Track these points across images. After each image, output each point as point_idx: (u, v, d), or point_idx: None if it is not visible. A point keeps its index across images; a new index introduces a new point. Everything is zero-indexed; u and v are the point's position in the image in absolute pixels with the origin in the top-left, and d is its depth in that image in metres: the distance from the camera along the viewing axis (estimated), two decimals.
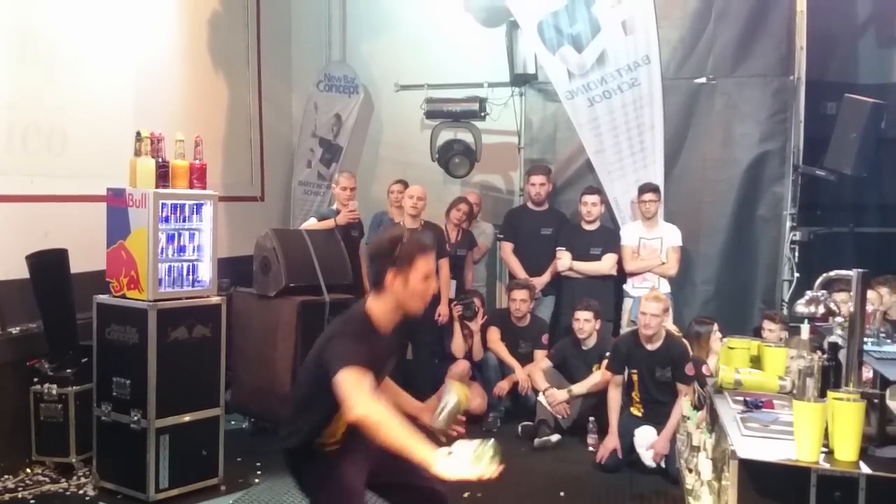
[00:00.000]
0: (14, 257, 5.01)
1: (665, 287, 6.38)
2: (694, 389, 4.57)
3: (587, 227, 6.67)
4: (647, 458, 5.30)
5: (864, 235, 7.03)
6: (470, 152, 7.40)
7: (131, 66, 6.16)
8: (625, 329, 6.43)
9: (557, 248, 6.70)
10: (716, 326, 5.67)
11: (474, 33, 7.60)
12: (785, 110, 6.68)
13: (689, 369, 5.18)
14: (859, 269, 3.14)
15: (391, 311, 2.95)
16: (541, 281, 6.77)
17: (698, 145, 6.91)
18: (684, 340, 5.51)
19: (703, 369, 5.10)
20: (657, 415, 5.39)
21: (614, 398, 5.57)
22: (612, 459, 5.37)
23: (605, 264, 6.57)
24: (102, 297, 4.80)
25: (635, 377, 5.50)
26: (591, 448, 5.74)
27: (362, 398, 2.64)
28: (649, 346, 5.42)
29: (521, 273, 6.79)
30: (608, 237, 6.66)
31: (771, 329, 5.40)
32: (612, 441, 5.44)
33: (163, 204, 4.63)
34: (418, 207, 6.49)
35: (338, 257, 6.12)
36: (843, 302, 3.53)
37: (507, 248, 6.99)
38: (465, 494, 4.93)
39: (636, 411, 5.54)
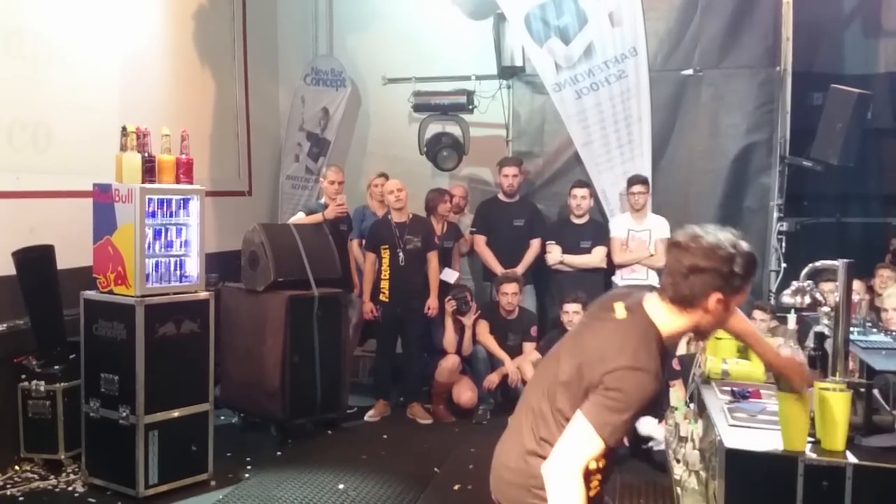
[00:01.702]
0: (0, 254, 4.98)
1: (654, 279, 6.40)
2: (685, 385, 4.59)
3: (576, 221, 6.70)
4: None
5: (851, 225, 7.07)
6: (458, 145, 7.39)
7: (116, 61, 6.11)
8: None
9: (547, 242, 6.72)
10: None
11: (461, 26, 7.56)
12: (771, 101, 6.69)
13: (676, 364, 5.22)
14: (845, 259, 3.15)
15: (678, 335, 2.39)
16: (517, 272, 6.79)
17: (685, 137, 6.91)
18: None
19: (673, 363, 5.16)
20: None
21: None
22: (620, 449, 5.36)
23: (596, 257, 6.60)
24: (89, 293, 4.78)
25: None
26: None
27: (577, 462, 2.20)
28: None
29: (495, 265, 6.80)
30: (597, 230, 6.68)
31: (762, 319, 5.45)
32: None
33: (149, 199, 4.61)
34: (402, 199, 6.46)
35: (326, 251, 6.12)
36: (830, 292, 3.54)
37: (480, 240, 6.99)
38: (456, 487, 4.94)
39: None
